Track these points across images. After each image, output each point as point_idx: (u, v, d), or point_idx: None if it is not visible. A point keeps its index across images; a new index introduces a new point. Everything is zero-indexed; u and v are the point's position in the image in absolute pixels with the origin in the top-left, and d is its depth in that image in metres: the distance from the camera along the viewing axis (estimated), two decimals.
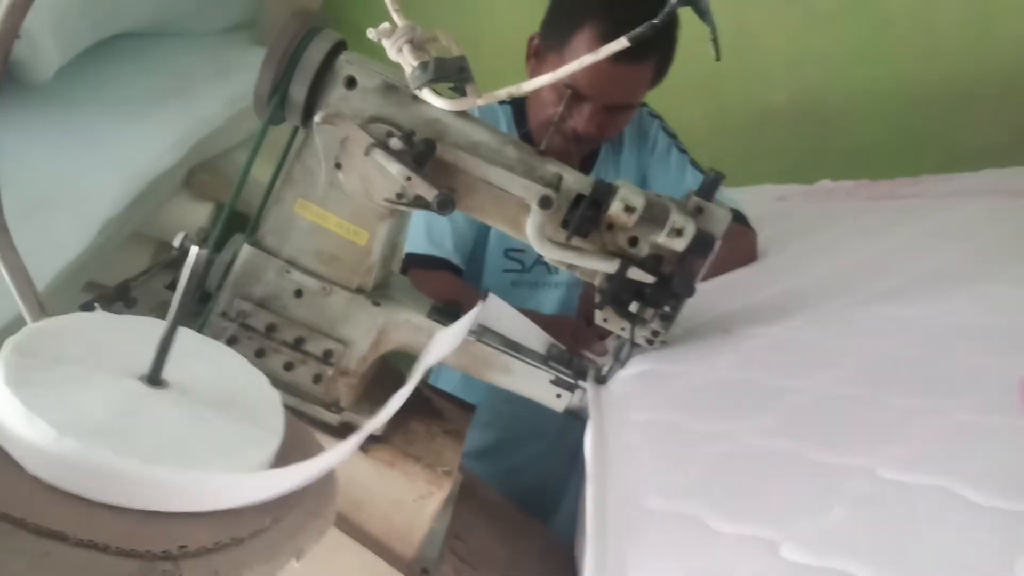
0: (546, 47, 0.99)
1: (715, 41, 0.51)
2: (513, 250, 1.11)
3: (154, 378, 0.41)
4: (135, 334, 0.44)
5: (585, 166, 1.09)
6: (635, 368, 0.74)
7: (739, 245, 1.06)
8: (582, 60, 0.52)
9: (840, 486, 0.51)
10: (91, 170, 1.30)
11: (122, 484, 0.34)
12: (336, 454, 0.37)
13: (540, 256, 1.10)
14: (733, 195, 1.12)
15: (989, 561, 0.42)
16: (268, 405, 0.45)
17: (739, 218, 1.07)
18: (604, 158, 1.12)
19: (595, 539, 0.53)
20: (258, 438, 0.41)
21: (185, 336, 0.43)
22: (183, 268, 0.41)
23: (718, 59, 0.51)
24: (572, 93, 0.92)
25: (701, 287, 0.97)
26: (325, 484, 0.41)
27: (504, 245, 1.11)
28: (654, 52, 0.93)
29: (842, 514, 0.48)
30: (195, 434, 0.39)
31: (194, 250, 0.41)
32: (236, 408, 0.43)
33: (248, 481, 0.37)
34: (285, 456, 0.41)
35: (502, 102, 1.09)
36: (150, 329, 0.44)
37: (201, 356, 0.47)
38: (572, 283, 1.12)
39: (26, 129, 1.25)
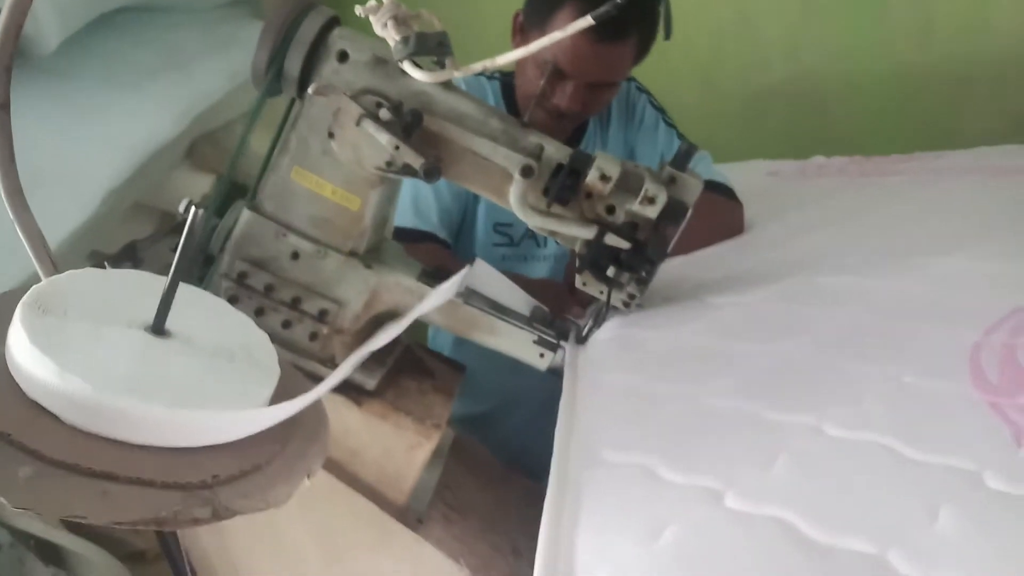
0: (528, 24, 1.03)
1: (667, 19, 0.56)
2: (501, 224, 1.16)
3: (158, 328, 0.46)
4: (138, 288, 0.49)
5: (572, 142, 1.14)
6: (610, 332, 0.79)
7: (725, 218, 1.11)
8: (551, 36, 0.57)
9: (786, 442, 0.55)
10: (93, 142, 1.35)
11: (154, 427, 0.39)
12: (330, 381, 0.43)
13: (528, 230, 1.17)
14: (724, 171, 1.17)
15: (915, 510, 0.46)
16: (261, 348, 0.50)
17: (726, 191, 1.11)
18: (591, 133, 1.17)
19: (555, 486, 0.58)
20: (258, 377, 0.47)
21: (183, 290, 0.47)
22: (181, 231, 0.46)
23: (667, 38, 0.56)
24: (554, 70, 0.96)
25: (683, 259, 1.02)
26: (318, 414, 0.47)
27: (493, 219, 1.16)
28: (634, 31, 0.97)
29: (784, 467, 0.52)
30: (203, 377, 0.44)
31: (193, 209, 0.46)
32: (233, 352, 0.48)
33: (259, 414, 0.42)
34: (280, 390, 0.47)
35: (490, 77, 1.14)
36: (152, 283, 0.49)
37: (196, 307, 0.51)
38: (559, 256, 1.18)
39: (27, 102, 1.30)
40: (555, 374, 0.78)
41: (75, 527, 1.15)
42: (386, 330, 0.51)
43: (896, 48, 1.75)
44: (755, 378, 0.65)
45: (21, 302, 0.42)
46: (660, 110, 1.19)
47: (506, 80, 1.15)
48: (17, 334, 0.40)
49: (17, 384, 0.39)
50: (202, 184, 1.53)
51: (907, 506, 0.47)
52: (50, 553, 1.14)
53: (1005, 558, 0.42)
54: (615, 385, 0.70)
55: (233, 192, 0.74)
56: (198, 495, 0.38)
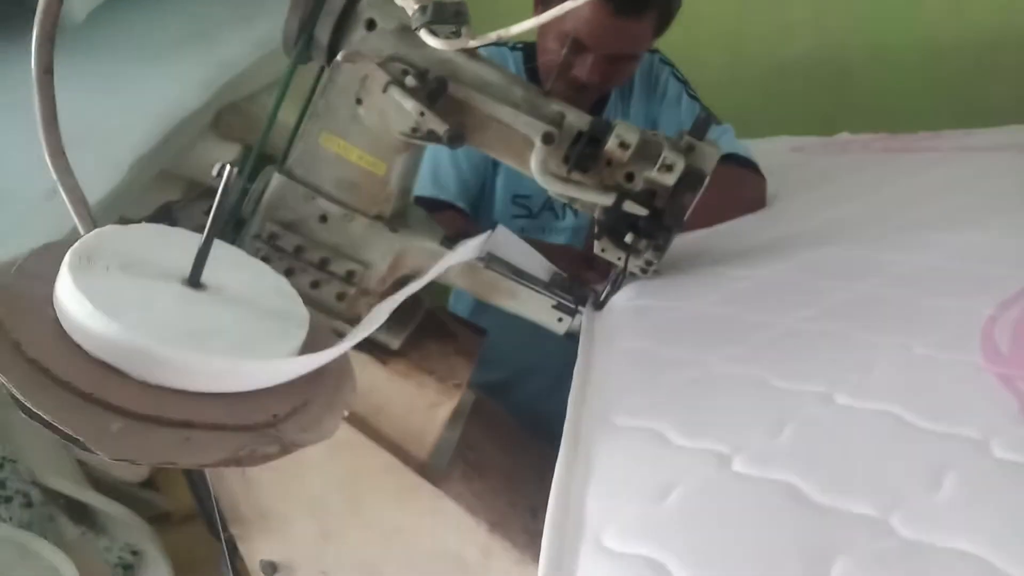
0: None
1: None
2: (520, 196, 1.19)
3: (194, 281, 0.49)
4: (174, 244, 0.52)
5: (594, 112, 1.17)
6: (626, 302, 0.81)
7: (748, 191, 1.13)
8: (563, 6, 0.59)
9: (796, 409, 0.57)
10: (120, 111, 1.39)
11: (220, 376, 0.43)
12: (364, 327, 0.47)
13: (547, 201, 1.19)
14: (749, 145, 1.19)
15: (919, 476, 0.47)
16: (290, 300, 0.54)
17: (750, 165, 1.13)
18: (613, 104, 1.19)
19: (566, 448, 0.61)
20: (290, 325, 0.51)
21: (216, 245, 0.51)
22: (217, 188, 0.50)
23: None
24: (573, 42, 0.98)
25: (702, 232, 1.04)
26: (342, 357, 0.50)
27: (512, 191, 1.19)
28: (653, 4, 0.99)
29: (792, 433, 0.54)
30: (244, 326, 0.48)
31: (228, 167, 0.50)
32: (266, 304, 0.52)
33: (308, 359, 0.46)
34: (311, 339, 0.50)
35: (513, 48, 1.16)
36: (186, 239, 0.52)
37: (227, 261, 0.54)
38: (577, 228, 1.20)
39: (57, 71, 1.34)
40: (572, 338, 0.81)
41: (102, 488, 1.20)
42: (412, 284, 0.55)
43: (923, 13, 1.75)
44: (767, 347, 0.67)
45: (69, 261, 0.44)
46: (684, 82, 1.21)
47: (528, 51, 1.17)
48: (74, 295, 0.42)
49: (74, 342, 0.42)
50: (227, 153, 1.57)
51: (912, 472, 0.48)
52: (79, 512, 1.20)
53: (1009, 524, 0.43)
54: (629, 351, 0.73)
55: (260, 161, 0.78)
56: (266, 433, 0.42)
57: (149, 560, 1.16)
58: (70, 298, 0.42)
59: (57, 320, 0.43)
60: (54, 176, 0.70)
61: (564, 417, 0.65)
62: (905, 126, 1.56)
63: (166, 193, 1.51)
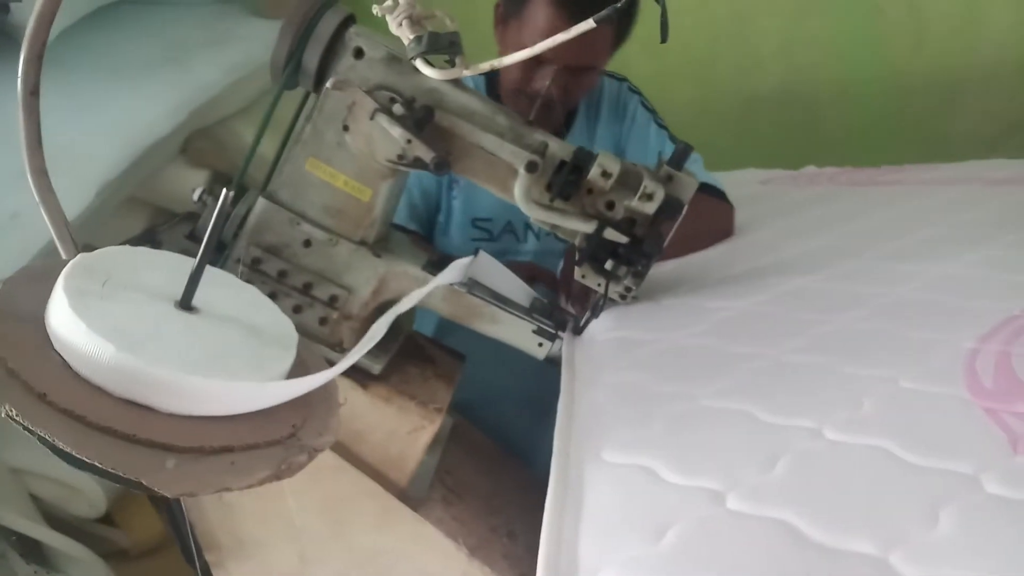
0: (507, 13, 1.10)
1: (664, 23, 0.62)
2: (480, 219, 1.23)
3: (186, 304, 0.51)
4: (160, 266, 0.54)
5: (559, 133, 1.21)
6: (608, 334, 0.83)
7: (717, 220, 1.17)
8: (556, 38, 0.63)
9: (786, 445, 0.58)
10: (89, 134, 1.40)
11: (244, 399, 0.45)
12: (350, 359, 0.50)
13: (508, 224, 1.23)
14: (717, 177, 1.24)
15: (915, 513, 0.48)
16: (275, 317, 0.55)
17: (718, 194, 1.18)
18: (580, 127, 1.24)
19: (556, 485, 0.61)
20: (286, 344, 0.53)
21: (208, 270, 0.52)
22: (210, 209, 0.52)
23: (664, 40, 0.62)
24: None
25: (677, 263, 1.08)
26: (329, 384, 0.53)
27: (470, 215, 1.22)
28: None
29: (784, 469, 0.55)
30: (243, 348, 0.50)
31: (224, 191, 0.52)
32: (256, 322, 0.53)
33: (311, 379, 0.49)
34: (302, 362, 0.53)
35: None
36: (175, 262, 0.54)
37: (213, 284, 0.54)
38: (539, 252, 1.24)
39: None
40: (553, 364, 0.84)
41: (57, 524, 1.19)
42: (400, 304, 0.57)
43: (889, 50, 1.84)
44: (753, 381, 0.68)
45: (69, 302, 0.43)
46: (652, 111, 1.26)
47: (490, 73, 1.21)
48: (90, 339, 0.42)
49: (92, 383, 0.42)
50: (196, 179, 1.58)
51: (908, 508, 0.49)
52: (32, 550, 1.18)
53: (1007, 561, 0.44)
54: (614, 385, 0.74)
55: (237, 188, 0.80)
56: (292, 444, 0.44)
57: None
58: (86, 342, 0.42)
59: (64, 362, 0.43)
60: (36, 197, 0.71)
61: (534, 439, 0.66)
62: (870, 160, 1.64)
63: (134, 220, 1.52)
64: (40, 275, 0.50)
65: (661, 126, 1.25)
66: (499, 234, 1.25)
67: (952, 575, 0.44)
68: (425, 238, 1.20)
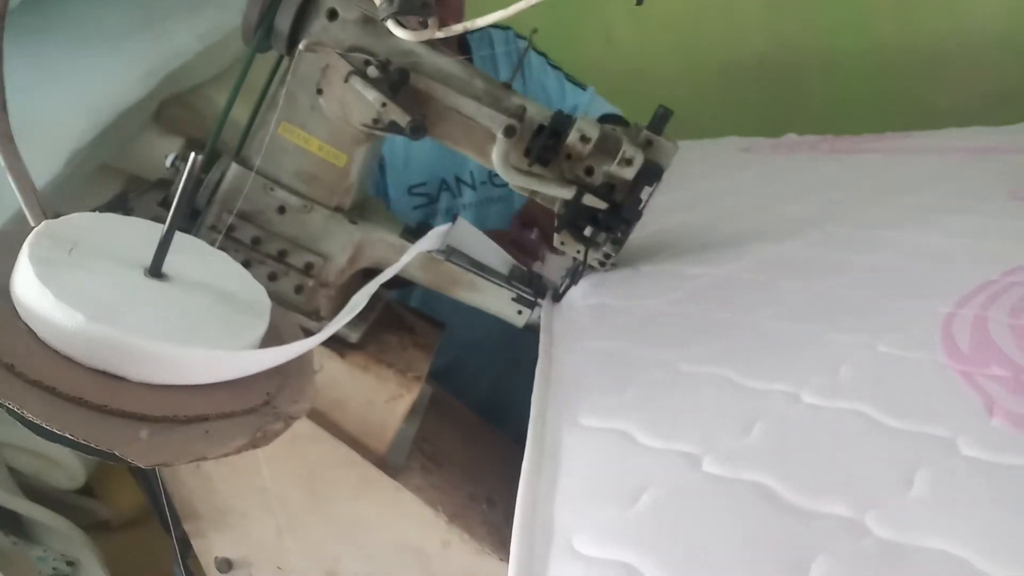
0: None
1: None
2: (415, 186, 1.22)
3: (155, 271, 0.50)
4: (129, 233, 0.53)
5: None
6: (587, 300, 0.83)
7: None
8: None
9: (763, 409, 0.58)
10: (58, 101, 1.37)
11: (220, 367, 0.45)
12: (330, 328, 0.49)
13: (442, 182, 1.22)
14: (699, 147, 1.22)
15: (891, 475, 0.50)
16: (247, 284, 0.55)
17: (623, 121, 1.17)
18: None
19: (532, 451, 0.62)
20: (254, 315, 0.52)
21: (178, 236, 0.51)
22: (181, 174, 0.51)
23: (639, 2, 0.61)
24: None
25: (660, 228, 1.08)
26: (297, 331, 0.52)
27: (405, 184, 1.22)
28: None
29: (761, 433, 0.56)
30: (214, 316, 0.49)
31: (192, 155, 0.51)
32: (228, 289, 0.52)
33: (290, 348, 0.48)
34: (275, 329, 0.52)
35: None
36: (145, 229, 0.53)
37: (184, 252, 0.54)
38: (479, 203, 1.24)
39: None
40: (532, 330, 0.84)
41: (35, 496, 1.18)
42: (384, 273, 0.57)
43: (873, 23, 1.83)
44: (732, 346, 0.69)
45: (35, 269, 0.43)
46: (543, 54, 1.26)
47: None
48: (57, 307, 0.41)
49: (60, 353, 0.41)
50: (169, 146, 1.55)
51: (883, 471, 0.50)
52: (10, 522, 1.18)
53: (982, 522, 0.45)
54: (591, 351, 0.74)
55: (209, 154, 0.78)
56: (267, 412, 0.44)
57: (85, 569, 1.14)
58: (53, 310, 0.41)
59: (31, 331, 0.42)
60: (2, 163, 0.70)
61: (509, 404, 0.66)
62: (853, 129, 1.64)
63: (106, 188, 1.49)
64: (3, 243, 0.49)
65: (555, 67, 1.25)
66: (437, 195, 1.24)
67: (927, 537, 0.45)
68: None
